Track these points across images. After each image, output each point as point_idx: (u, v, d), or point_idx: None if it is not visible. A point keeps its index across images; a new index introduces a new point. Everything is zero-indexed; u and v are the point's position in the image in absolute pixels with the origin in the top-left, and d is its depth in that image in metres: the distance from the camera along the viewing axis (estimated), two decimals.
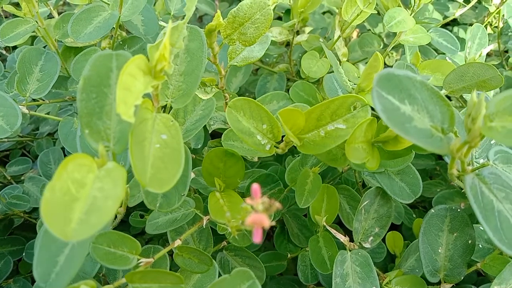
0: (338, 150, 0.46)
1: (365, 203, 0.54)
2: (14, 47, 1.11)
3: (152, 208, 0.43)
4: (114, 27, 0.62)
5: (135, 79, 0.31)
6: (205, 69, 0.79)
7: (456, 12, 0.73)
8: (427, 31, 0.71)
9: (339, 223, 0.71)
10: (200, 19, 1.33)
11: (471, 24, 0.95)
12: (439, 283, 0.53)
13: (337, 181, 0.76)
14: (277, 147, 0.47)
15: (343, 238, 0.54)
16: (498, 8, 0.79)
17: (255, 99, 0.60)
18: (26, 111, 0.59)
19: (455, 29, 0.90)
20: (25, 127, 1.00)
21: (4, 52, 1.07)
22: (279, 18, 1.00)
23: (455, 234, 0.51)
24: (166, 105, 0.42)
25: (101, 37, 0.68)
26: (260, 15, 0.42)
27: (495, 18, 0.86)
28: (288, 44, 0.84)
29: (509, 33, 0.98)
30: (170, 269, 0.51)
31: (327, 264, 0.55)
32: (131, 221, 0.75)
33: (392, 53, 0.90)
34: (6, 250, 0.76)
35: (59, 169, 0.28)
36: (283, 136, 0.47)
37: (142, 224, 0.74)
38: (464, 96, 0.71)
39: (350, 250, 0.53)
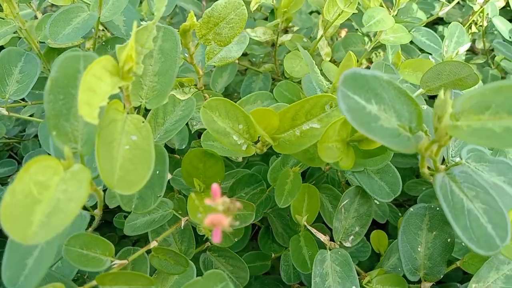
0: (315, 150, 0.46)
1: (345, 202, 0.54)
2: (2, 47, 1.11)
3: (127, 210, 0.43)
4: (95, 28, 0.62)
5: (100, 80, 0.30)
6: (188, 69, 0.79)
7: (439, 11, 0.73)
8: (410, 30, 0.71)
9: (325, 223, 0.71)
10: None
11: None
12: (419, 281, 0.53)
13: (324, 180, 0.76)
14: (255, 147, 0.47)
15: (323, 238, 0.54)
16: (482, 7, 0.79)
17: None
18: (6, 112, 0.59)
19: (440, 28, 0.90)
20: (11, 128, 1.00)
21: None
22: (267, 19, 1.00)
23: (434, 233, 0.51)
24: (140, 106, 0.42)
25: (80, 38, 0.68)
26: (235, 15, 0.42)
27: (479, 17, 0.87)
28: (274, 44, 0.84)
29: (495, 32, 0.99)
30: (152, 271, 0.51)
31: (308, 263, 0.55)
32: (115, 223, 0.75)
33: (379, 53, 0.90)
34: None
35: (21, 171, 0.28)
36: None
37: None
38: None
39: (330, 250, 0.53)
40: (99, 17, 0.58)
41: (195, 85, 0.50)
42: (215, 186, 0.25)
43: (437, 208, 0.53)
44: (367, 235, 0.72)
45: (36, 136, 0.97)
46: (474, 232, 0.33)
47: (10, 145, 1.04)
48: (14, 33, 0.73)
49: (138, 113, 0.42)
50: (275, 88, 0.72)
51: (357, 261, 0.73)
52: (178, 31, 0.42)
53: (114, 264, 0.39)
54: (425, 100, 0.68)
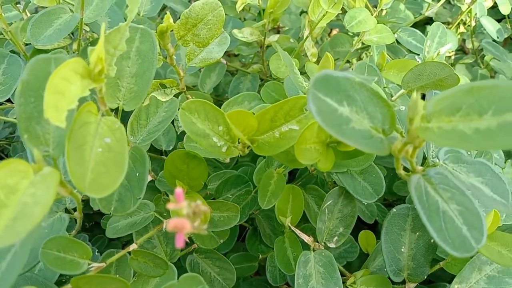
0: None
1: (329, 203, 0.54)
2: None
3: (106, 212, 0.43)
4: (79, 29, 0.62)
5: (69, 83, 0.30)
6: (172, 71, 0.79)
7: (425, 11, 0.73)
8: (397, 30, 0.71)
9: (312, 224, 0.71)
10: None
11: (445, 23, 0.95)
12: (403, 282, 0.53)
13: (314, 181, 0.76)
14: (237, 149, 0.47)
15: (307, 239, 0.54)
16: (469, 7, 0.79)
17: None
18: None
19: (428, 28, 0.90)
20: (1, 130, 1.00)
21: None
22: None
23: (417, 233, 0.51)
24: (118, 107, 0.42)
25: (69, 39, 0.68)
26: (212, 16, 0.42)
27: (468, 16, 0.87)
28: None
29: (485, 31, 0.99)
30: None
31: (292, 265, 0.55)
32: (103, 225, 0.74)
33: (369, 53, 0.90)
34: None
35: None
36: None
37: None
38: None
39: (314, 251, 0.53)
40: (82, 19, 0.57)
41: (177, 86, 0.50)
42: (178, 190, 0.25)
43: None
44: (356, 236, 0.72)
45: None
46: (449, 234, 0.33)
47: (1, 147, 1.04)
48: (0, 34, 0.73)
49: (116, 115, 0.42)
50: (262, 88, 0.72)
51: (345, 261, 0.72)
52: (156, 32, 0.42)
53: (91, 267, 0.39)
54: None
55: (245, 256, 0.70)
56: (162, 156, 0.76)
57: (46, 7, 0.58)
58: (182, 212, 0.24)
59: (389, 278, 0.53)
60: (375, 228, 0.80)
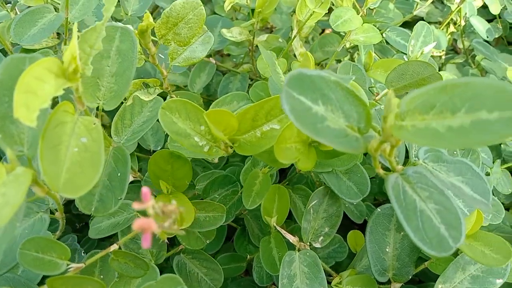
0: None
1: (314, 202, 0.54)
2: None
3: (86, 212, 0.42)
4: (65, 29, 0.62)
5: (42, 82, 0.30)
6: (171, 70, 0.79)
7: (414, 11, 0.73)
8: (386, 30, 0.71)
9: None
10: None
11: (437, 23, 0.95)
12: (388, 282, 0.53)
13: (304, 181, 0.76)
14: (220, 148, 0.46)
15: (292, 239, 0.53)
16: (458, 6, 0.79)
17: None
18: None
19: None
20: None
21: None
22: None
23: (402, 233, 0.51)
24: (98, 107, 0.42)
25: (56, 38, 0.67)
26: (193, 15, 0.41)
27: (458, 16, 0.87)
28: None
29: (476, 31, 0.99)
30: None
31: (277, 265, 0.55)
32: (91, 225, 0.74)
33: (360, 53, 0.90)
34: None
35: None
36: None
37: None
38: None
39: (299, 251, 0.53)
40: (67, 18, 0.57)
41: (161, 85, 0.50)
42: (145, 190, 0.25)
43: None
44: (345, 236, 0.72)
45: None
46: (426, 233, 0.33)
47: None
48: None
49: (96, 114, 0.42)
50: (251, 88, 0.72)
51: (333, 261, 0.72)
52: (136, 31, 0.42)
53: (70, 268, 0.39)
54: None
55: (233, 256, 0.70)
56: (151, 156, 0.76)
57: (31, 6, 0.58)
58: (149, 212, 0.24)
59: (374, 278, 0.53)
60: (365, 228, 0.80)
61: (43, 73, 0.30)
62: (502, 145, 0.82)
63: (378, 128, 0.35)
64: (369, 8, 0.71)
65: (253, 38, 0.76)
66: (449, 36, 0.91)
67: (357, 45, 0.76)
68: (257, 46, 0.80)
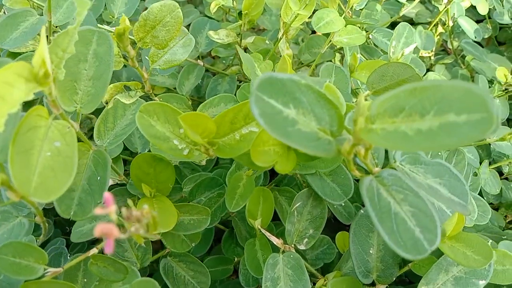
0: None
1: (298, 204, 0.54)
2: None
3: (65, 217, 0.42)
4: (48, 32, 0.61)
5: (11, 86, 0.30)
6: (152, 73, 0.79)
7: (401, 12, 0.73)
8: (372, 31, 0.71)
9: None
10: None
11: (426, 23, 0.95)
12: (373, 284, 0.53)
13: (295, 183, 0.76)
14: (201, 152, 0.46)
15: (276, 241, 0.53)
16: (446, 7, 0.79)
17: None
18: None
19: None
20: None
21: None
22: None
23: None
24: (76, 111, 0.42)
25: (36, 42, 0.67)
26: (170, 18, 0.41)
27: (447, 17, 0.87)
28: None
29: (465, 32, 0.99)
30: None
31: (262, 267, 0.55)
32: None
33: (345, 55, 0.90)
34: None
35: None
36: None
37: None
38: None
39: (283, 253, 0.52)
40: (50, 22, 0.57)
41: (142, 88, 0.50)
42: (107, 195, 0.25)
43: None
44: (333, 237, 0.72)
45: None
46: (401, 236, 0.33)
47: None
48: None
49: (74, 118, 0.41)
50: (238, 90, 0.72)
51: (322, 263, 0.72)
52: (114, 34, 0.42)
53: (47, 272, 0.38)
54: None
55: (220, 259, 0.70)
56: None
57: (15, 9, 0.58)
58: (111, 217, 0.24)
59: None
60: None
61: (13, 78, 0.30)
62: (491, 145, 0.82)
63: (352, 130, 0.34)
64: (355, 10, 0.71)
65: (241, 40, 0.76)
66: (438, 37, 0.91)
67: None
68: (245, 48, 0.80)
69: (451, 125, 0.27)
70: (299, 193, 0.54)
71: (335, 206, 0.71)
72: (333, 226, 0.73)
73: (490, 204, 0.80)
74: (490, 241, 0.63)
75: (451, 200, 0.38)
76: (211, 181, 0.67)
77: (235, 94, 0.75)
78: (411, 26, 0.53)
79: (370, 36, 0.71)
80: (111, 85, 0.46)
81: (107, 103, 0.48)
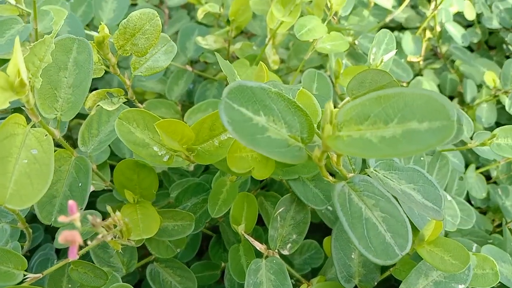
0: None
1: (281, 209, 0.54)
2: None
3: (46, 223, 0.43)
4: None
5: None
6: (141, 79, 0.79)
7: (387, 18, 0.74)
8: (358, 37, 0.72)
9: None
10: None
11: (415, 28, 0.96)
12: None
13: (285, 188, 0.76)
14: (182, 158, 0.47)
15: (259, 246, 0.54)
16: (432, 13, 0.80)
17: None
18: None
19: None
20: None
21: None
22: None
23: None
24: (56, 118, 0.42)
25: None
26: (150, 26, 0.42)
27: (434, 22, 0.88)
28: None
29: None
30: None
31: (245, 273, 0.55)
32: None
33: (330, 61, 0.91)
34: None
35: None
36: None
37: None
38: None
39: (266, 258, 0.53)
40: (36, 29, 0.58)
41: (125, 95, 0.50)
42: (71, 203, 0.25)
43: None
44: (321, 242, 0.72)
45: None
46: (371, 241, 0.33)
47: None
48: None
49: (55, 126, 0.42)
50: None
51: (309, 268, 0.72)
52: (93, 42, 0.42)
53: (27, 278, 0.39)
54: None
55: (207, 264, 0.70)
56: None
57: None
58: (76, 224, 0.24)
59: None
60: None
61: None
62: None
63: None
64: (341, 16, 0.72)
65: (229, 45, 0.77)
66: (427, 42, 0.92)
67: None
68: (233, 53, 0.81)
69: (413, 132, 0.27)
70: (282, 199, 0.54)
71: (322, 211, 0.71)
72: (325, 230, 0.73)
73: (478, 208, 0.80)
74: (475, 245, 0.64)
75: (425, 205, 0.39)
76: (197, 187, 0.67)
77: None
78: (391, 33, 0.54)
79: (356, 42, 0.72)
80: (94, 92, 0.46)
81: (89, 110, 0.48)
